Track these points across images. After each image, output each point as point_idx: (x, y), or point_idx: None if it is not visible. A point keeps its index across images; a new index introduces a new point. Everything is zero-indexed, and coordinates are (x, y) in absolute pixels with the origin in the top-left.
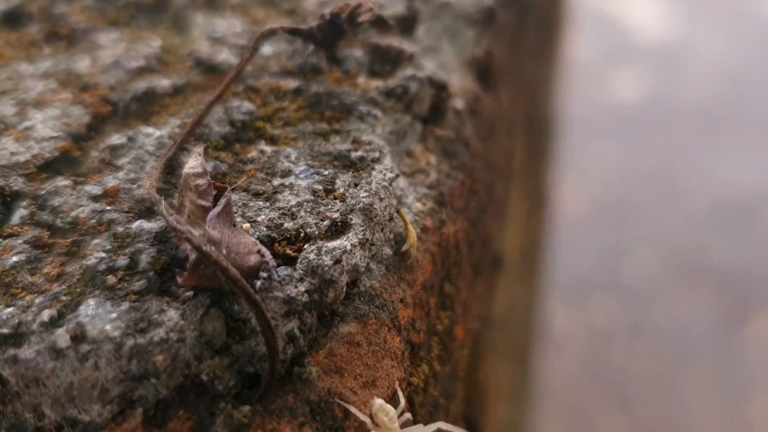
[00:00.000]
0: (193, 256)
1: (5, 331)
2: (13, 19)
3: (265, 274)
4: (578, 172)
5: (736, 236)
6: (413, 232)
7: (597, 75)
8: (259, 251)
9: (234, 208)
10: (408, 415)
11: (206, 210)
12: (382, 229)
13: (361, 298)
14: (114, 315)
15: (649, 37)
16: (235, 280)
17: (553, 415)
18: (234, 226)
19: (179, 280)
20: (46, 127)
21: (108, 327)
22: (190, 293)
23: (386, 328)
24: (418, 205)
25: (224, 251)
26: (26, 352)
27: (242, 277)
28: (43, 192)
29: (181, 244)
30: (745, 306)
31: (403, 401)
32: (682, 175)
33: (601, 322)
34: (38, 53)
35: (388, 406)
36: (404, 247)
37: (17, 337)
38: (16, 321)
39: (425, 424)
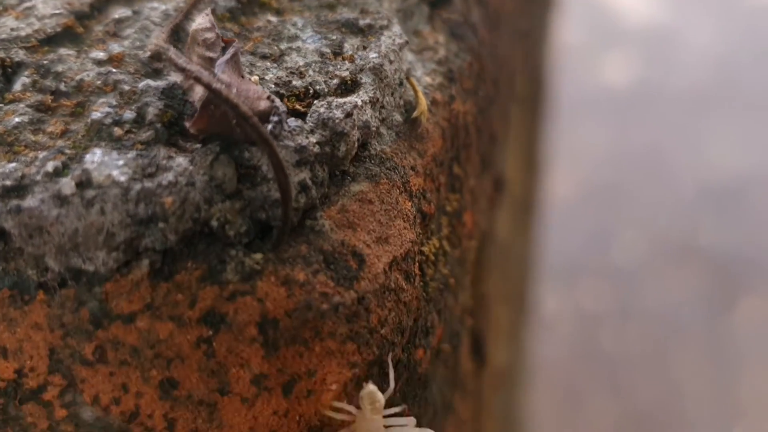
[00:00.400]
0: (199, 107)
1: (8, 183)
2: None
3: (275, 119)
4: (567, 155)
5: (725, 219)
6: (423, 100)
7: (586, 58)
8: (268, 97)
9: (242, 67)
10: (397, 409)
11: (214, 61)
12: (392, 93)
13: (372, 161)
14: (121, 162)
15: (638, 21)
16: (246, 117)
17: (544, 396)
18: (242, 77)
19: (187, 124)
20: (47, 6)
21: (114, 172)
22: (198, 145)
23: (398, 190)
24: (427, 79)
25: (234, 92)
26: (30, 201)
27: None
28: (45, 62)
29: (189, 97)
30: (734, 288)
31: (392, 384)
32: (670, 158)
33: (590, 304)
34: None
35: (378, 395)
36: (414, 114)
37: (20, 188)
38: (20, 174)
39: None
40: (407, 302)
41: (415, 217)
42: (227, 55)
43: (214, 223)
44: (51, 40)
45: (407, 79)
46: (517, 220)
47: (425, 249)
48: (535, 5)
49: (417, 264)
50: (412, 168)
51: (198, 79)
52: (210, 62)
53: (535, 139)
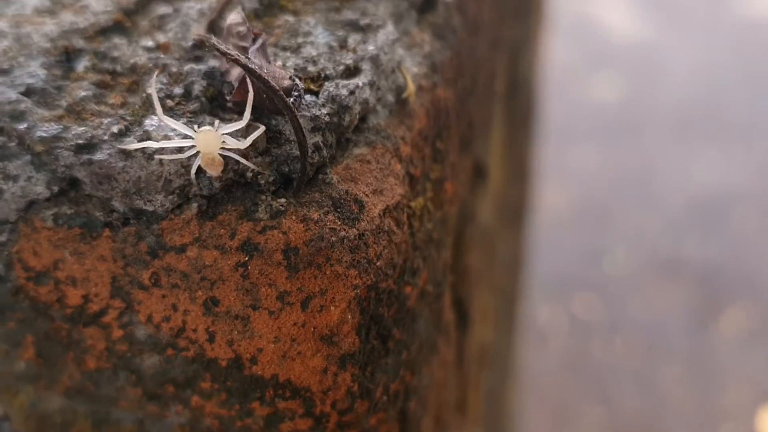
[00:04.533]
0: (237, 84)
1: (80, 141)
2: None
3: (296, 93)
4: (559, 172)
5: (710, 234)
6: (411, 84)
7: (575, 77)
8: (290, 77)
9: (269, 54)
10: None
11: (247, 50)
12: (386, 78)
13: (370, 131)
14: (174, 126)
15: (626, 41)
16: (274, 90)
17: (535, 406)
18: (269, 62)
19: (228, 98)
20: (99, 4)
21: (170, 133)
22: (235, 115)
23: (390, 155)
24: (415, 69)
25: (264, 72)
26: (100, 155)
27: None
28: (102, 48)
29: (227, 77)
30: (718, 301)
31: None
32: (658, 175)
33: (582, 317)
34: None
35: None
36: (404, 95)
37: (90, 146)
38: (89, 135)
39: (419, 250)
40: (398, 243)
41: (404, 177)
42: (257, 44)
43: (249, 174)
44: (105, 32)
45: (399, 67)
46: (504, 218)
47: (413, 204)
48: (521, 17)
49: (406, 215)
50: (402, 138)
51: (237, 61)
52: (243, 50)
53: (525, 148)
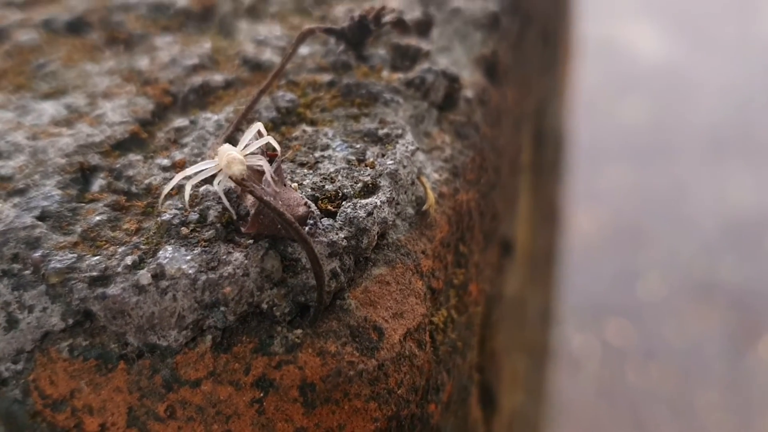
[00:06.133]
0: (253, 210)
1: (94, 273)
2: (76, 27)
3: (311, 221)
4: (590, 197)
5: (746, 257)
6: (431, 195)
7: (606, 100)
8: (306, 204)
9: (284, 174)
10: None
11: (261, 173)
12: (405, 192)
13: (389, 248)
14: (188, 257)
15: (655, 63)
16: (290, 223)
17: None
18: (285, 185)
19: (242, 229)
20: (116, 114)
21: (184, 266)
22: (250, 241)
23: (411, 272)
24: (436, 176)
25: (279, 203)
26: (113, 290)
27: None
28: (117, 165)
29: (242, 201)
30: (755, 325)
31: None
32: (690, 198)
33: (615, 343)
34: (101, 55)
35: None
36: (424, 207)
37: (104, 278)
38: (103, 266)
39: (442, 363)
40: (420, 366)
41: (425, 293)
42: (273, 168)
43: (264, 306)
44: (121, 145)
45: (418, 178)
46: (533, 273)
47: (435, 319)
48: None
49: (428, 333)
50: (423, 252)
51: (252, 193)
52: (258, 174)
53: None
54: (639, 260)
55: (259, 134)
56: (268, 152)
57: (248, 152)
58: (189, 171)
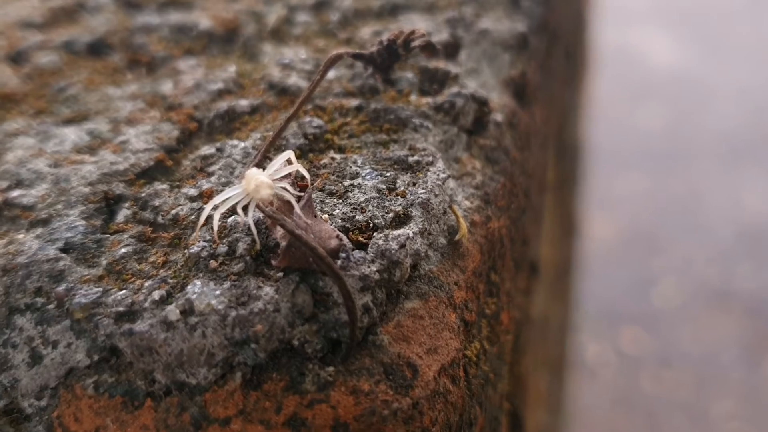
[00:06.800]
0: (283, 243)
1: (121, 309)
2: (98, 49)
3: (344, 255)
4: (605, 203)
5: (762, 264)
6: (464, 224)
7: (621, 107)
8: (337, 236)
9: (314, 204)
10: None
11: (291, 204)
12: (437, 221)
13: (422, 280)
14: (218, 292)
15: (669, 69)
16: (322, 257)
17: None
18: (315, 216)
19: (273, 262)
20: (140, 141)
21: (213, 301)
22: (280, 274)
23: (444, 305)
24: (467, 203)
25: (311, 236)
26: (140, 326)
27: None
28: (143, 195)
29: (272, 233)
30: None
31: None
32: (707, 205)
33: (631, 351)
34: (122, 78)
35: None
36: (456, 237)
37: (131, 314)
38: (130, 301)
39: (475, 397)
40: (454, 402)
41: (459, 327)
42: (303, 201)
43: (296, 342)
44: (146, 173)
45: (450, 207)
46: (555, 287)
47: (468, 352)
48: (569, 83)
49: (462, 367)
50: (456, 283)
51: (283, 226)
52: (288, 206)
53: (571, 204)
54: (654, 267)
55: (288, 162)
56: (299, 182)
57: (277, 177)
58: (217, 200)
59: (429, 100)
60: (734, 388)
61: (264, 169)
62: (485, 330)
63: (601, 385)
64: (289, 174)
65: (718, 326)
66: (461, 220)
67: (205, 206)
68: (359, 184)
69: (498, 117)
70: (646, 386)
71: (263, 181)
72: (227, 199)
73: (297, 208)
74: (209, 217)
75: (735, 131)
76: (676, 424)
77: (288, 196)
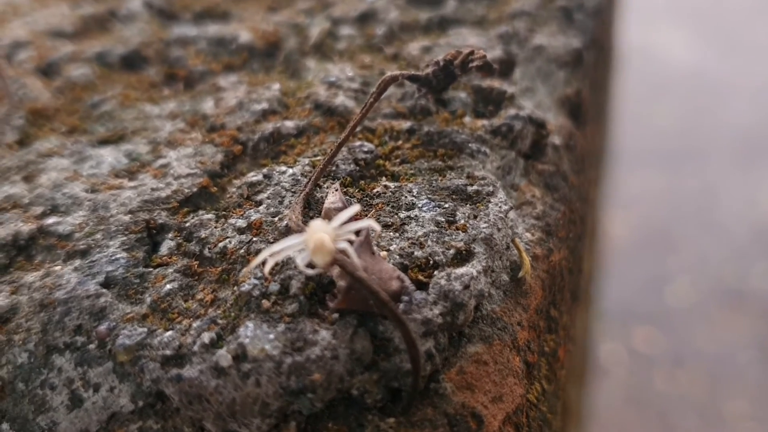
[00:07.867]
0: (341, 282)
1: (168, 352)
2: (132, 61)
3: (406, 298)
4: (620, 201)
5: None
6: (527, 260)
7: (637, 105)
8: (399, 277)
9: (372, 244)
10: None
11: (350, 242)
12: (500, 258)
13: (485, 321)
14: (272, 336)
15: (686, 68)
16: (385, 302)
17: None
18: (373, 254)
19: (331, 305)
20: (182, 165)
21: (267, 346)
22: (336, 315)
23: (508, 349)
24: (528, 235)
25: (372, 277)
26: (189, 372)
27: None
28: (187, 225)
29: (328, 270)
30: None
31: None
32: (722, 203)
33: (644, 350)
34: (159, 94)
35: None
36: (520, 274)
37: (179, 358)
38: (177, 343)
39: None
40: None
41: (522, 371)
42: (361, 237)
43: (354, 392)
44: (189, 201)
45: (512, 241)
46: (583, 298)
47: (529, 396)
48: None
49: (525, 413)
50: (519, 323)
51: (343, 267)
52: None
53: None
54: (668, 266)
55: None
56: (355, 216)
57: (342, 231)
58: (275, 248)
59: (485, 122)
60: (748, 388)
61: (310, 202)
62: (544, 369)
63: (614, 384)
64: (344, 206)
65: (732, 326)
66: (524, 255)
67: (261, 252)
68: (416, 216)
69: (556, 140)
70: (659, 385)
71: (324, 245)
72: (285, 249)
73: (354, 257)
74: (259, 250)
75: (751, 130)
76: (689, 424)
77: (349, 259)
